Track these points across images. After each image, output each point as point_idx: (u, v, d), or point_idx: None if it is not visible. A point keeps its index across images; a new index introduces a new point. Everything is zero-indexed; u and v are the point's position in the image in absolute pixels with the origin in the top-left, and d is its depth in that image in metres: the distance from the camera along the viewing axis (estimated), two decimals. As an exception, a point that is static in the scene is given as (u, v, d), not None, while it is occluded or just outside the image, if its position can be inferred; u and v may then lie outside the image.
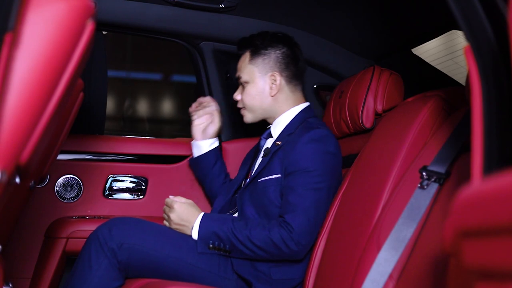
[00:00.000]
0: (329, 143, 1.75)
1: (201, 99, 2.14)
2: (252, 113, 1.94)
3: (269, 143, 1.92)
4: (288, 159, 1.73)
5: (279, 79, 1.89)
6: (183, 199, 1.76)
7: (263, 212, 1.75)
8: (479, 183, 0.57)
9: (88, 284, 1.60)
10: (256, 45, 1.92)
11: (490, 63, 0.79)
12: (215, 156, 2.10)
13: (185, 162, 2.24)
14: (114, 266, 1.60)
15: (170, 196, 1.79)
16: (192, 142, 2.13)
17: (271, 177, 1.76)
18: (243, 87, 1.93)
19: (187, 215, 1.72)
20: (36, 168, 1.33)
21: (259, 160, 1.90)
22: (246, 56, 1.93)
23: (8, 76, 0.70)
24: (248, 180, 1.86)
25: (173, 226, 1.72)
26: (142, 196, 2.21)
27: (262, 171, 1.80)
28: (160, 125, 7.10)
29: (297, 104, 1.92)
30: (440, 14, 1.85)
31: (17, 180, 0.87)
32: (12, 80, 0.70)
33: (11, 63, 0.70)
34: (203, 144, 2.10)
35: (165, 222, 1.76)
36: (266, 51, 1.91)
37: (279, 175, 1.74)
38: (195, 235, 1.69)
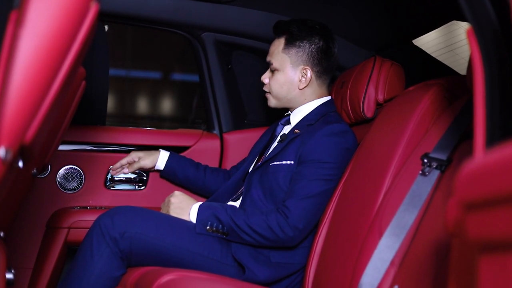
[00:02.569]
0: (348, 139, 1.76)
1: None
2: (276, 100, 1.93)
3: (286, 130, 1.93)
4: (304, 148, 1.73)
5: (310, 73, 1.87)
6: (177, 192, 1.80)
7: (270, 196, 1.76)
8: (482, 157, 0.57)
9: (90, 273, 1.59)
10: (292, 34, 1.87)
11: (492, 44, 0.79)
12: (173, 169, 2.12)
13: (186, 153, 2.24)
14: (116, 255, 1.60)
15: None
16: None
17: (283, 162, 1.77)
18: (272, 73, 1.91)
19: (186, 200, 1.76)
20: (39, 154, 1.34)
21: (274, 144, 1.91)
22: (281, 42, 1.89)
23: (14, 54, 0.70)
24: (260, 163, 1.86)
25: (172, 212, 1.74)
26: (143, 187, 2.21)
27: (276, 155, 1.80)
28: (160, 123, 7.10)
29: (321, 97, 1.92)
30: (441, 4, 1.86)
31: (20, 164, 0.87)
32: (17, 59, 0.71)
33: (16, 41, 0.71)
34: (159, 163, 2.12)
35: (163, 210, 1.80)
36: (301, 43, 1.87)
37: (292, 162, 1.75)
38: (193, 217, 1.70)
